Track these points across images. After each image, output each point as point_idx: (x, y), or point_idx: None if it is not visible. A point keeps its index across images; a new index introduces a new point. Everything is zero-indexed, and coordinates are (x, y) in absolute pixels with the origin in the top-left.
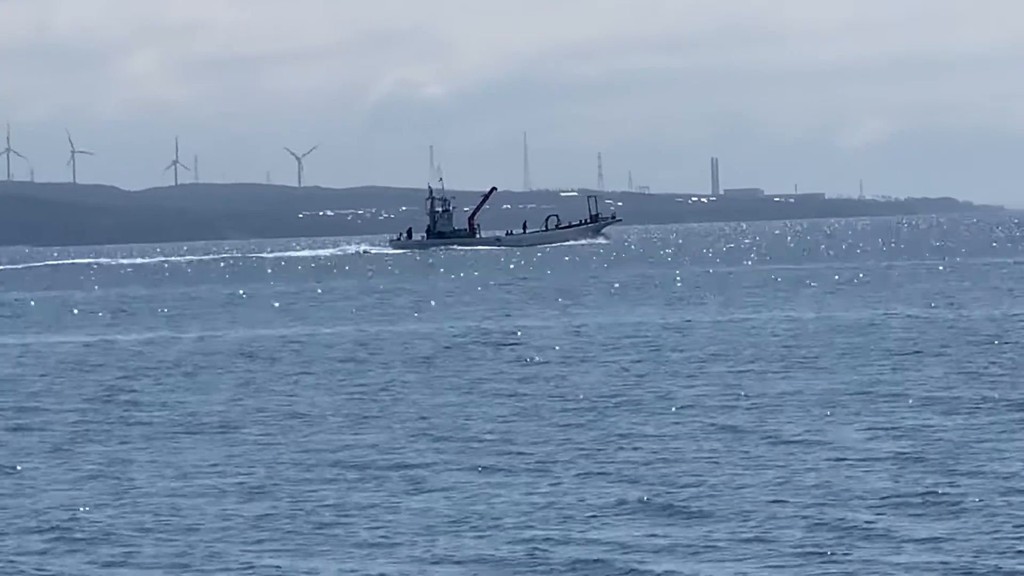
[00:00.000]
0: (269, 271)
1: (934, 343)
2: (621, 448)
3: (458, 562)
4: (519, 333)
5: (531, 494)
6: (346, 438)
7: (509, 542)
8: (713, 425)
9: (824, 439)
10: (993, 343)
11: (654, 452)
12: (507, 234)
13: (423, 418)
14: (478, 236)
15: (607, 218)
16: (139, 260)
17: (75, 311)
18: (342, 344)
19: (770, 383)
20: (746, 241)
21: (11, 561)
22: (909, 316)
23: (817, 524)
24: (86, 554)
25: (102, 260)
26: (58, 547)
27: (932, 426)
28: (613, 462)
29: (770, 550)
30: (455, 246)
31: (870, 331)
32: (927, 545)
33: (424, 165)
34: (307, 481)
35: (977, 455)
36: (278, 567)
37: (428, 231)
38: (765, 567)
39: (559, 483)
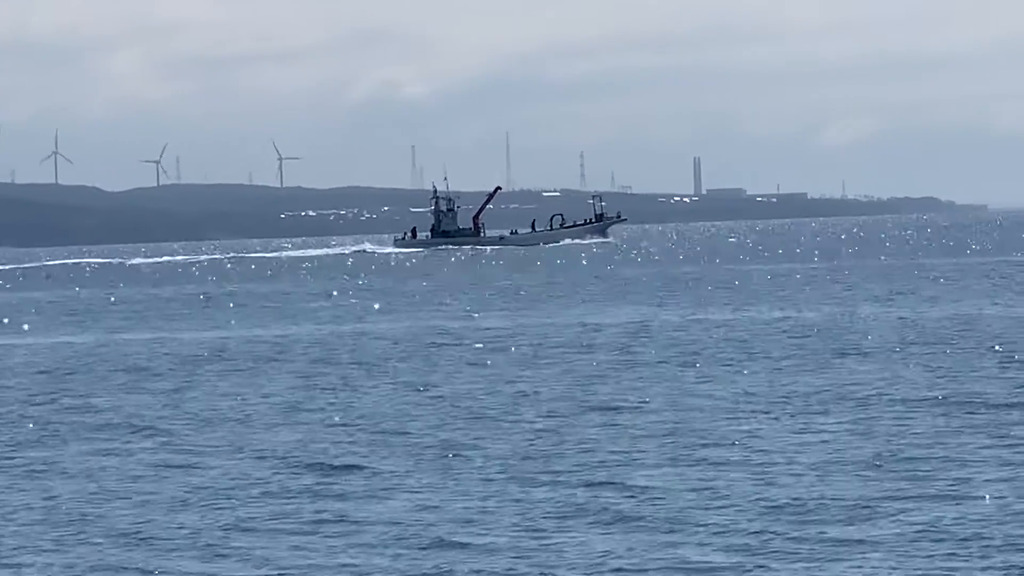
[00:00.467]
0: (304, 268)
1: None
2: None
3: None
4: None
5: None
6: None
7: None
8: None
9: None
10: None
11: (610, 454)
12: (511, 233)
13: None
14: (482, 235)
15: (612, 218)
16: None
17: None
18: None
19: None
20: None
21: None
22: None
23: (780, 524)
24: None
25: (114, 260)
26: None
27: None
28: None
29: (735, 551)
30: (460, 245)
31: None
32: (896, 548)
33: (407, 165)
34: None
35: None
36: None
37: (432, 230)
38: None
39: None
